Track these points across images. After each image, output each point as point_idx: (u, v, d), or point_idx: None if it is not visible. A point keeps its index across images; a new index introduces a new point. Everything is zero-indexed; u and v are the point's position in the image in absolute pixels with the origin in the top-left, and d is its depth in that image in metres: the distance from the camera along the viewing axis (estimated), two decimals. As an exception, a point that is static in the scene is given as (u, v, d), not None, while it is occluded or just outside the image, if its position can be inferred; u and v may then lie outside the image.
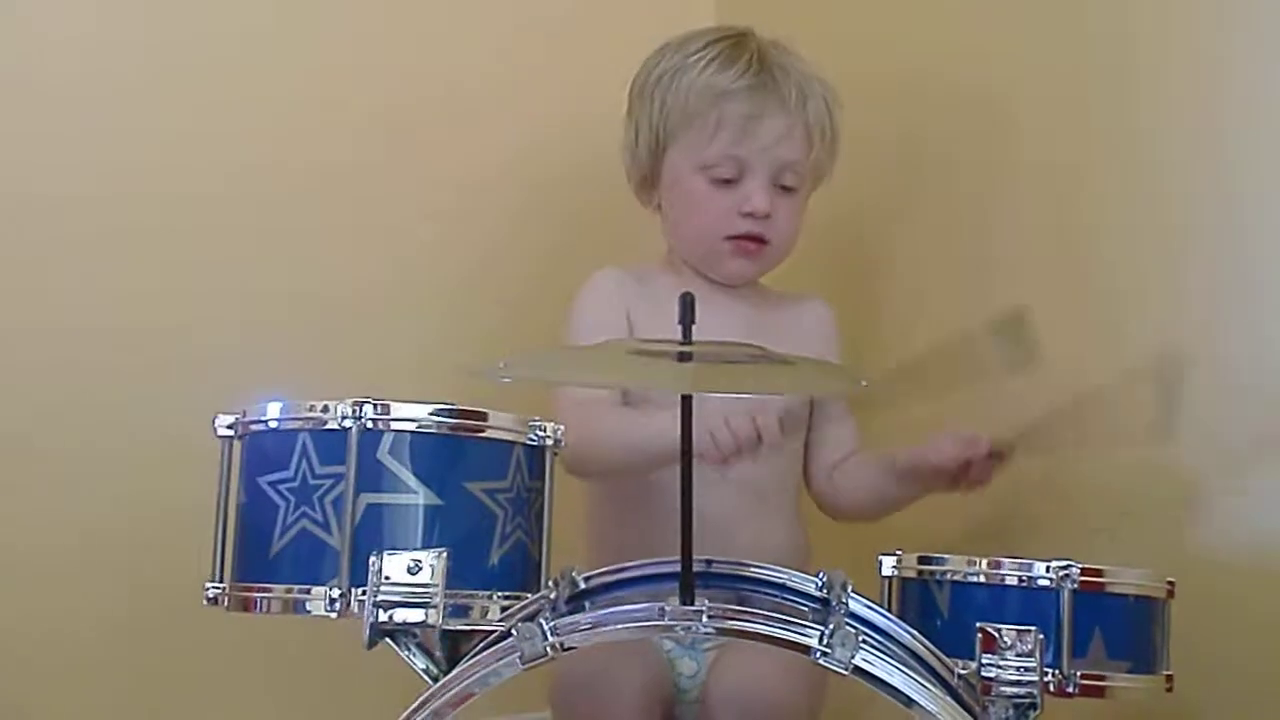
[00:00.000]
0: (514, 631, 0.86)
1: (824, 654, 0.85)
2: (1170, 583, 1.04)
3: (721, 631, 0.87)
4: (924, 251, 1.59)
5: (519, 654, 0.85)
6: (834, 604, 0.96)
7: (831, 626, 0.85)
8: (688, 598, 0.88)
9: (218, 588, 0.96)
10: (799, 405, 1.32)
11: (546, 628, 0.85)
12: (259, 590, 0.94)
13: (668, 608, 0.86)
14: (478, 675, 0.86)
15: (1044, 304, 1.27)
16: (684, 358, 0.89)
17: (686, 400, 0.90)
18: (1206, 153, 1.30)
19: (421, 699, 0.86)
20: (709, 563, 1.01)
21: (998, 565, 1.01)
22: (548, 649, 0.85)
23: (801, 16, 1.60)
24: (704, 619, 0.85)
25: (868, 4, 1.70)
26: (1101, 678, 0.99)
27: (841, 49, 1.54)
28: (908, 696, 0.85)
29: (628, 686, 1.13)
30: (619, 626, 0.87)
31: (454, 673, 0.87)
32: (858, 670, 0.85)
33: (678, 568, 0.89)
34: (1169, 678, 1.03)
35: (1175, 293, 1.31)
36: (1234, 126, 1.28)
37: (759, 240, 1.36)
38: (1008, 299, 1.31)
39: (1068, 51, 1.43)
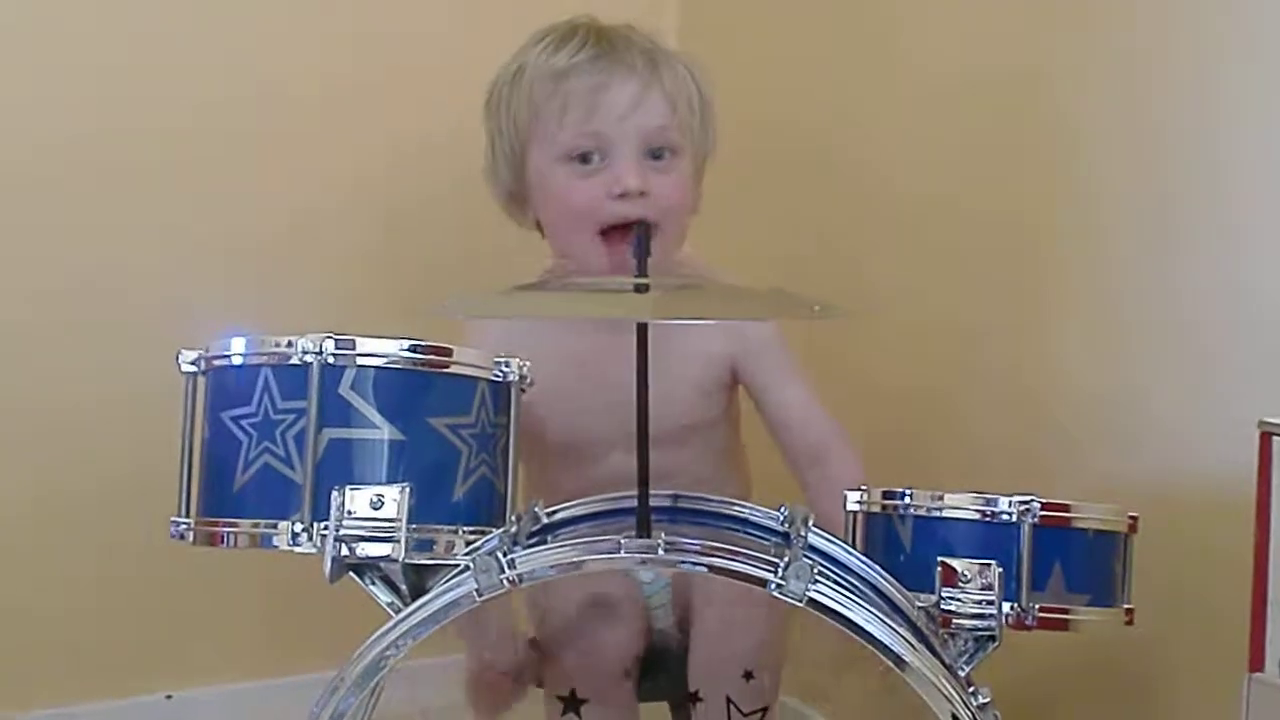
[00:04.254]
0: (471, 564, 0.87)
1: (779, 586, 0.86)
2: (1133, 517, 1.04)
3: (679, 564, 0.87)
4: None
5: (476, 587, 0.86)
6: (794, 538, 0.96)
7: (787, 559, 0.86)
8: (644, 531, 0.89)
9: (184, 523, 0.96)
10: None
11: (503, 560, 0.86)
12: (225, 525, 0.94)
13: (624, 541, 0.87)
14: (436, 608, 0.87)
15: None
16: (640, 289, 0.90)
17: (642, 329, 0.90)
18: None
19: (381, 631, 0.88)
20: (675, 498, 1.02)
21: (960, 499, 1.00)
22: (504, 581, 0.86)
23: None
24: (660, 552, 0.86)
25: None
26: (1061, 610, 0.99)
27: None
28: (862, 628, 0.86)
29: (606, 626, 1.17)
30: (575, 559, 0.87)
31: (413, 606, 0.88)
32: (812, 603, 0.85)
33: (640, 502, 0.90)
34: (1129, 611, 1.03)
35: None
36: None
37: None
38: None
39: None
